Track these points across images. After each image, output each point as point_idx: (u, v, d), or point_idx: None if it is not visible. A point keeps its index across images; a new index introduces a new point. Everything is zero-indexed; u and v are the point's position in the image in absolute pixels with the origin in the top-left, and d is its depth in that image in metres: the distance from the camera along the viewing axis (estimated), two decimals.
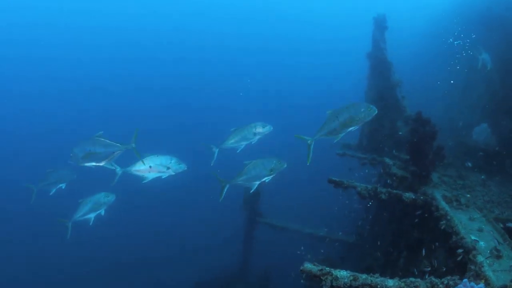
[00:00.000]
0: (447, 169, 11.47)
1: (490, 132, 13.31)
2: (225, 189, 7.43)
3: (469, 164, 11.95)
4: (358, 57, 15.31)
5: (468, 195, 9.57)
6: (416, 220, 8.98)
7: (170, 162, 7.35)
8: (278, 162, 7.41)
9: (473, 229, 7.47)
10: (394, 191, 8.93)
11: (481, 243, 6.88)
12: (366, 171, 14.03)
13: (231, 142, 8.24)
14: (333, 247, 15.80)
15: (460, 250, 6.64)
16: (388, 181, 10.18)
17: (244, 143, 8.16)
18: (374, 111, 6.64)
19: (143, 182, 7.46)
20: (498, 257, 6.32)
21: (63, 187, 9.89)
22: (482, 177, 11.62)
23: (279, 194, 24.31)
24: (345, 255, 15.30)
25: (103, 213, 8.61)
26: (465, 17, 17.48)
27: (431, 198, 8.68)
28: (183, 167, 7.53)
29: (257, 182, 7.43)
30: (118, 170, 7.40)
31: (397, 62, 13.54)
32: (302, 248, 15.73)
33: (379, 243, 12.31)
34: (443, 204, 8.27)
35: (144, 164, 7.31)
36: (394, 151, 12.04)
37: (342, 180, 9.01)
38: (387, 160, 10.72)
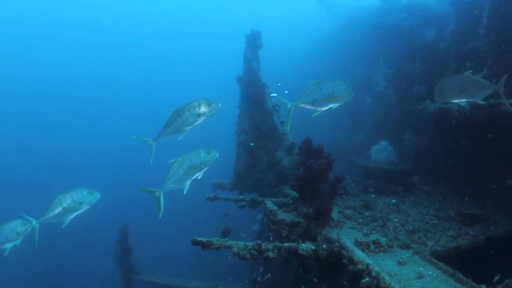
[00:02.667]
0: (348, 199, 9.40)
1: (392, 149, 11.11)
2: (161, 199, 6.04)
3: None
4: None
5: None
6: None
7: (82, 196, 6.61)
8: (207, 153, 6.09)
9: (410, 278, 5.19)
10: (286, 244, 6.25)
11: None
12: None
13: (170, 129, 6.37)
14: None
15: None
16: (270, 233, 7.42)
17: (187, 128, 6.40)
18: (352, 93, 6.42)
19: (62, 227, 6.83)
20: None
21: None
22: (393, 201, 9.65)
23: (156, 245, 22.21)
24: None
25: (18, 243, 7.36)
26: (353, 34, 16.17)
27: (340, 246, 6.15)
28: (96, 196, 6.74)
29: (188, 182, 6.09)
30: (35, 223, 6.81)
31: (276, 85, 11.54)
32: None
33: None
34: (358, 254, 5.74)
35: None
36: (279, 187, 9.96)
37: (211, 240, 6.14)
38: (269, 204, 7.93)
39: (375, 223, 7.82)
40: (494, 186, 8.77)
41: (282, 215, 7.35)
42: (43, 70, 52.69)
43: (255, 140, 10.76)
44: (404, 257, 5.87)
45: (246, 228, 13.94)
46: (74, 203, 6.64)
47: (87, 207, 6.80)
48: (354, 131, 15.08)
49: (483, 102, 6.38)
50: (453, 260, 5.90)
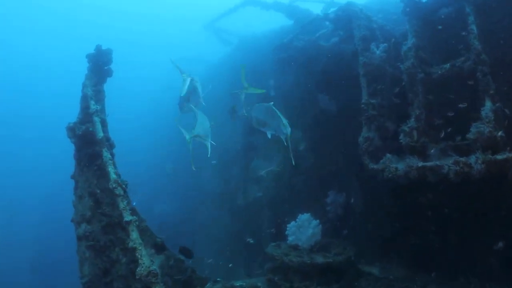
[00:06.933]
0: None
1: (317, 224, 7.27)
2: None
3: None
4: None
5: None
6: None
7: None
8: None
9: None
10: None
11: None
12: None
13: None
14: None
15: None
16: None
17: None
18: None
19: None
20: None
21: None
22: None
23: None
24: None
25: None
26: (246, 62, 11.59)
27: None
28: None
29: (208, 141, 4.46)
30: None
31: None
32: None
33: None
34: None
35: None
36: None
37: None
38: None
39: None
40: (476, 253, 6.32)
41: None
42: None
43: (103, 232, 5.80)
44: None
45: None
46: None
47: None
48: (250, 186, 10.67)
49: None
50: None
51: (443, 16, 6.92)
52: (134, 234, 3.84)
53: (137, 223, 4.10)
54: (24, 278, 21.68)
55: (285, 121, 4.18)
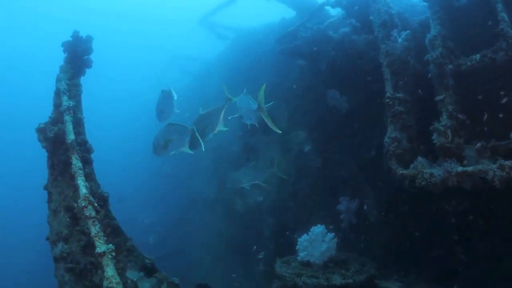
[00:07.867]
0: None
1: (333, 237, 6.24)
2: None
3: None
4: None
5: None
6: None
7: None
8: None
9: None
10: None
11: None
12: None
13: None
14: None
15: None
16: None
17: None
18: None
19: None
20: None
21: None
22: None
23: None
24: None
25: None
26: (243, 57, 11.47)
27: None
28: None
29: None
30: None
31: None
32: None
33: None
34: None
35: None
36: None
37: None
38: None
39: None
40: (505, 264, 5.43)
41: None
42: None
43: (82, 252, 4.81)
44: None
45: None
46: None
47: None
48: (249, 190, 9.68)
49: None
50: None
51: (465, 4, 6.03)
52: (110, 271, 2.81)
53: (113, 253, 3.08)
54: (24, 278, 20.86)
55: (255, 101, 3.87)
